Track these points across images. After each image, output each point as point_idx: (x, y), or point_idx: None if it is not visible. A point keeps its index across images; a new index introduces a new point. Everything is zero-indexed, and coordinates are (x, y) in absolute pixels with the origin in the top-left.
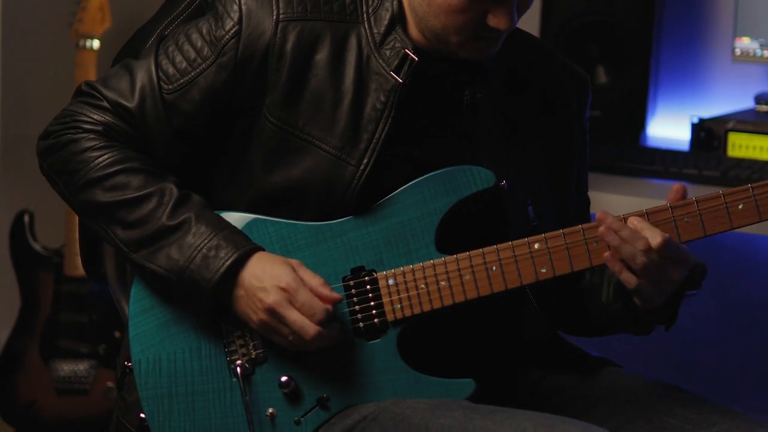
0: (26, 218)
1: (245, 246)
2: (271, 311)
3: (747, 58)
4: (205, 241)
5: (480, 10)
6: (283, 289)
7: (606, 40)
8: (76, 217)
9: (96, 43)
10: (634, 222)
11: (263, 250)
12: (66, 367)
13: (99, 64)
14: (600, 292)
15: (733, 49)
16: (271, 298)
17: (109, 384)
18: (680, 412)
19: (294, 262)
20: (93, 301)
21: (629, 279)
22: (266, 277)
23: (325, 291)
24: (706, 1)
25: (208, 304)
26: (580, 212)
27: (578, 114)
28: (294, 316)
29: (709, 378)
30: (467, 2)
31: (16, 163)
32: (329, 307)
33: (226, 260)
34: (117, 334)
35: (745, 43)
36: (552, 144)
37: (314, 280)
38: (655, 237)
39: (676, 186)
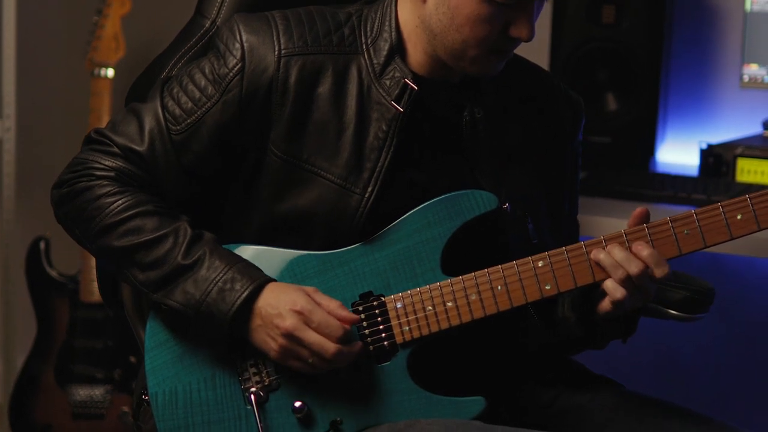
0: (42, 245)
1: (260, 278)
2: (289, 335)
3: (755, 84)
4: (220, 275)
5: (503, 21)
6: (298, 312)
7: (615, 67)
8: None
9: (110, 72)
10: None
11: (276, 281)
12: (82, 392)
13: (113, 93)
14: (556, 308)
15: (741, 76)
16: (288, 322)
17: (125, 409)
18: None
19: (309, 288)
20: (108, 327)
21: (615, 291)
22: (281, 304)
23: (343, 312)
24: (714, 29)
25: (224, 336)
26: (571, 235)
27: (571, 136)
28: (312, 337)
29: (715, 398)
30: (494, 10)
31: (31, 190)
32: (346, 326)
33: (242, 292)
34: (132, 359)
35: (753, 69)
36: (547, 164)
37: (331, 304)
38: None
39: (637, 210)
